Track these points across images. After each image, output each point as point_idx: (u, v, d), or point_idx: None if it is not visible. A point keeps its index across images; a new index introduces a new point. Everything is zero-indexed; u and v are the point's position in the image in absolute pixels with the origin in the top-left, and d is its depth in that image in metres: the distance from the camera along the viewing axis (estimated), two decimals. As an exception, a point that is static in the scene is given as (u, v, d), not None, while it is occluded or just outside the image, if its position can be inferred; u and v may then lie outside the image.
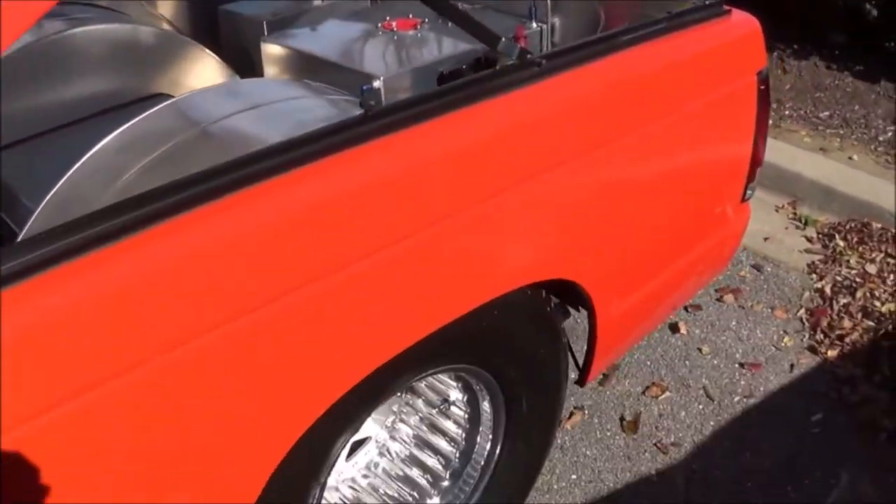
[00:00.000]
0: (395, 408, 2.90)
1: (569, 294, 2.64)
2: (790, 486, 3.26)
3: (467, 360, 2.49)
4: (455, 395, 2.78)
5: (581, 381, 2.95)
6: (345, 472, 2.89)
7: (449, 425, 2.86)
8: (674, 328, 3.94)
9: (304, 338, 1.89)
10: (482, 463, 2.83)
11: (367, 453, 2.91)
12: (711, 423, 3.53)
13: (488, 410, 2.74)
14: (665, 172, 2.70)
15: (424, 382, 2.79)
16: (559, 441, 3.49)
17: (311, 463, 2.21)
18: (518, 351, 2.60)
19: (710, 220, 3.01)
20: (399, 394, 2.82)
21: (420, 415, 2.90)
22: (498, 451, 2.81)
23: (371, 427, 2.88)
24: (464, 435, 2.83)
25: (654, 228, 2.76)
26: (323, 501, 2.73)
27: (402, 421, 2.92)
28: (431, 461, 2.89)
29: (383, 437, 2.92)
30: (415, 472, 2.90)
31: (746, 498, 3.22)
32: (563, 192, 2.37)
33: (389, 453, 2.93)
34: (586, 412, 3.61)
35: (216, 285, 1.72)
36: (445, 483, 2.86)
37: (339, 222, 1.90)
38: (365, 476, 2.92)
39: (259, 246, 1.78)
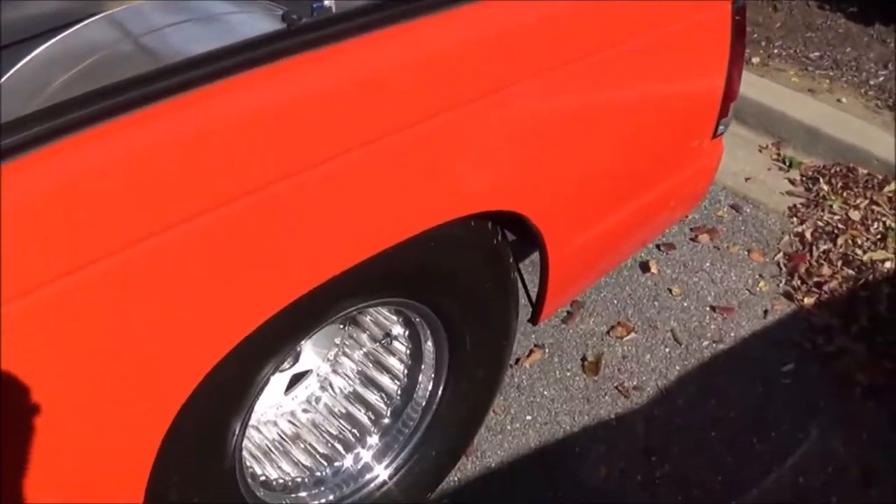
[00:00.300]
0: (337, 340, 2.74)
1: (524, 228, 2.41)
2: (756, 437, 3.09)
3: (404, 294, 2.31)
4: (397, 329, 2.61)
5: (534, 320, 2.77)
6: (284, 406, 2.74)
7: (392, 361, 2.70)
8: (644, 267, 3.74)
9: (221, 261, 1.76)
10: (424, 401, 2.67)
11: (308, 387, 2.76)
12: (677, 367, 3.34)
13: (430, 347, 2.57)
14: (626, 102, 2.49)
15: (369, 316, 2.63)
16: (516, 380, 3.30)
17: (231, 391, 2.03)
18: (460, 286, 2.42)
19: (677, 155, 2.80)
20: (341, 326, 2.66)
21: (364, 349, 2.74)
22: (441, 390, 2.64)
23: (312, 359, 2.72)
24: (406, 372, 2.67)
25: (613, 161, 2.56)
26: (258, 436, 2.58)
27: (345, 354, 2.76)
28: (374, 398, 2.73)
29: (325, 370, 2.76)
30: (357, 410, 2.74)
31: (709, 448, 3.04)
32: (509, 118, 2.16)
33: (332, 388, 2.77)
34: (546, 350, 3.42)
35: (126, 204, 1.60)
36: (386, 421, 2.70)
37: (259, 139, 1.74)
38: (305, 411, 2.76)
39: (176, 162, 1.65)
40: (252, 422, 2.63)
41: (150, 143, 1.61)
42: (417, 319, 2.48)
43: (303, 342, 2.27)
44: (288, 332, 2.10)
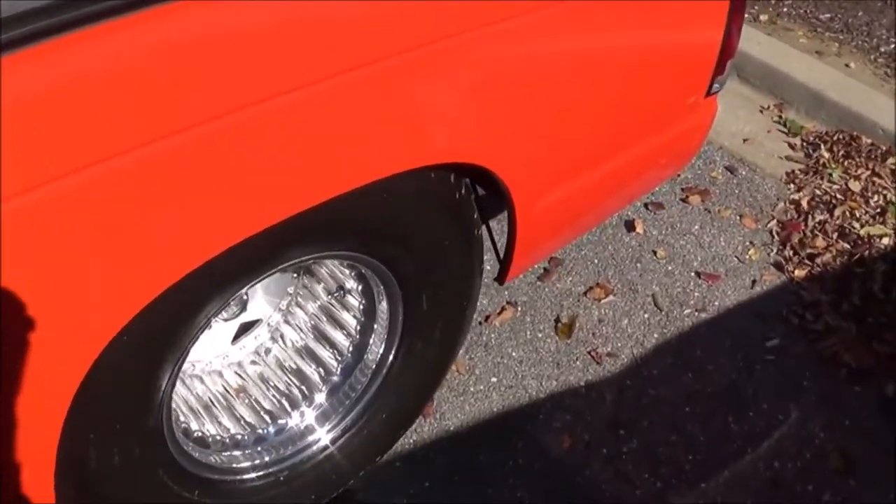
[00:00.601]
0: (290, 289, 2.56)
1: (493, 183, 2.22)
2: (732, 415, 2.92)
3: (354, 247, 2.13)
4: (350, 283, 2.44)
5: (500, 279, 2.59)
6: (231, 356, 2.57)
7: (345, 316, 2.53)
8: (629, 226, 3.55)
9: (153, 198, 1.60)
10: (376, 360, 2.49)
11: (258, 337, 2.60)
12: (655, 335, 3.15)
13: (384, 304, 2.40)
14: (609, 50, 2.28)
15: (324, 268, 2.46)
16: (484, 338, 3.12)
17: (159, 340, 1.87)
18: (416, 241, 2.22)
19: (666, 111, 2.59)
20: (294, 275, 2.49)
21: (319, 302, 2.56)
22: (394, 350, 2.47)
23: (262, 308, 2.55)
24: (359, 328, 2.50)
25: (593, 115, 2.36)
26: (201, 387, 2.48)
27: (298, 305, 2.59)
28: (325, 354, 2.57)
29: (277, 319, 2.59)
30: (307, 365, 2.58)
31: (681, 424, 2.88)
32: (475, 64, 1.96)
33: (283, 340, 2.61)
34: (519, 309, 3.23)
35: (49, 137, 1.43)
36: (336, 378, 2.54)
37: (196, 71, 1.56)
38: (254, 363, 2.60)
39: (114, 91, 1.48)
40: (196, 371, 2.49)
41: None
42: (370, 274, 2.29)
43: (247, 289, 2.07)
44: (227, 279, 1.92)
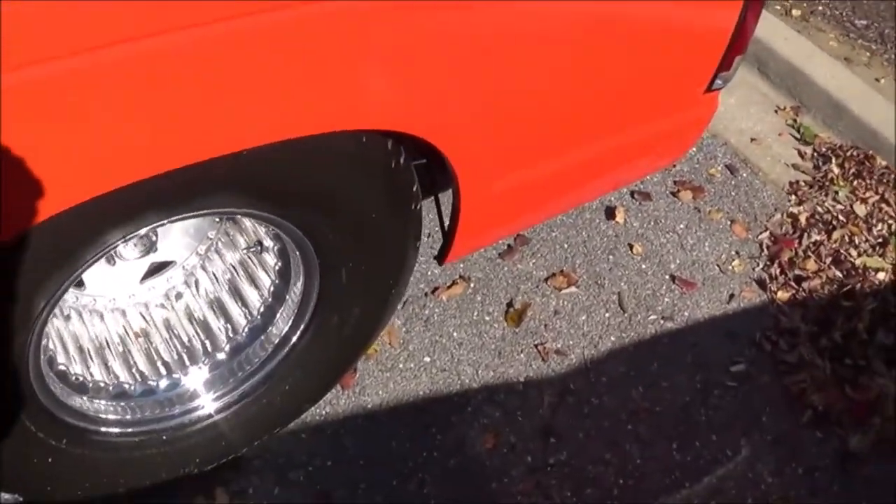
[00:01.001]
0: (211, 234, 2.32)
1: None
2: (676, 442, 2.66)
3: (265, 207, 1.86)
4: (268, 242, 2.20)
5: (439, 259, 2.34)
6: (138, 295, 2.34)
7: (261, 275, 2.29)
8: (610, 213, 3.26)
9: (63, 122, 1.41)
10: (286, 328, 2.23)
11: (170, 279, 2.37)
12: (612, 338, 2.88)
13: (300, 271, 2.13)
14: (593, 19, 1.96)
15: (247, 220, 2.19)
16: (427, 312, 2.86)
17: (52, 257, 1.65)
18: (338, 208, 1.95)
19: (654, 102, 2.30)
20: (217, 220, 2.26)
21: (238, 254, 2.32)
22: (306, 321, 2.21)
23: (178, 250, 2.32)
24: (272, 290, 2.26)
25: (565, 94, 2.07)
26: (99, 325, 2.28)
27: (217, 253, 2.35)
28: (236, 311, 2.33)
29: (193, 263, 2.36)
30: (216, 319, 2.35)
31: (619, 443, 2.62)
32: (415, 23, 1.68)
33: (196, 287, 2.38)
34: (472, 285, 2.96)
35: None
36: (241, 339, 2.31)
37: None
38: (161, 306, 2.38)
39: None
40: (97, 307, 2.28)
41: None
42: (286, 238, 2.02)
43: (149, 230, 1.82)
44: (127, 215, 1.69)
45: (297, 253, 2.05)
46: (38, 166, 1.42)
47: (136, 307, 2.35)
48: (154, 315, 2.36)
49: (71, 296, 2.20)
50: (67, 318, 2.23)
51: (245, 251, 2.28)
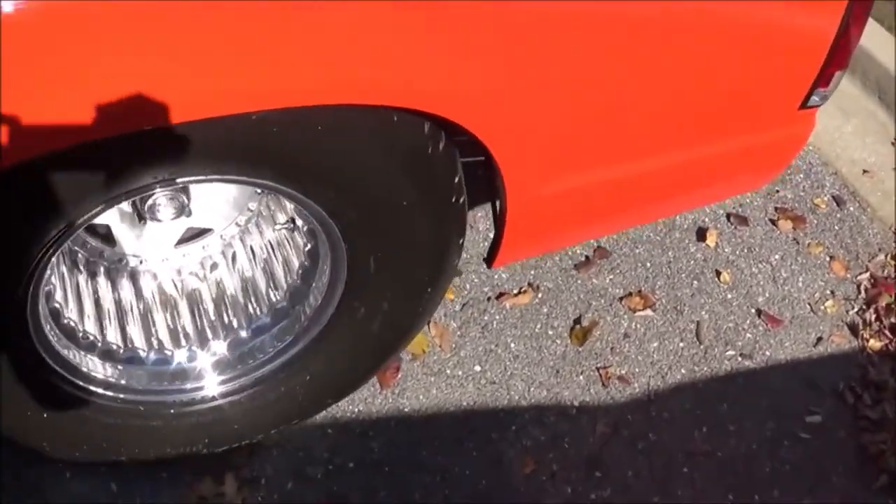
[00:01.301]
0: (252, 206, 2.19)
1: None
2: (733, 493, 2.43)
3: (282, 181, 1.71)
4: (300, 220, 2.04)
5: (488, 262, 2.15)
6: (171, 260, 2.22)
7: (291, 254, 2.16)
8: (701, 235, 3.03)
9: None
10: (311, 311, 2.10)
11: (207, 248, 2.24)
12: (683, 371, 2.66)
13: (327, 253, 1.97)
14: (677, 14, 1.73)
15: None
16: (486, 318, 2.68)
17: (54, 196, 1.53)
18: (365, 193, 1.77)
19: (739, 113, 2.05)
20: (258, 192, 2.12)
21: (274, 230, 2.19)
22: (333, 306, 2.04)
23: (217, 219, 2.19)
24: (301, 272, 2.12)
25: (638, 95, 1.84)
26: (128, 289, 2.18)
27: (257, 226, 2.22)
28: (265, 289, 2.21)
29: (231, 233, 2.23)
30: (245, 296, 2.23)
31: (670, 486, 2.41)
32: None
33: (233, 260, 2.25)
34: (539, 295, 2.77)
35: None
36: (266, 320, 2.17)
37: None
38: (194, 274, 2.26)
39: None
40: (127, 267, 2.17)
41: None
42: (311, 219, 1.87)
43: (162, 186, 1.67)
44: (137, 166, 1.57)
45: (324, 235, 1.90)
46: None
47: (168, 272, 2.23)
48: (185, 283, 2.25)
49: (98, 250, 2.12)
50: (93, 274, 2.12)
51: (279, 227, 2.14)
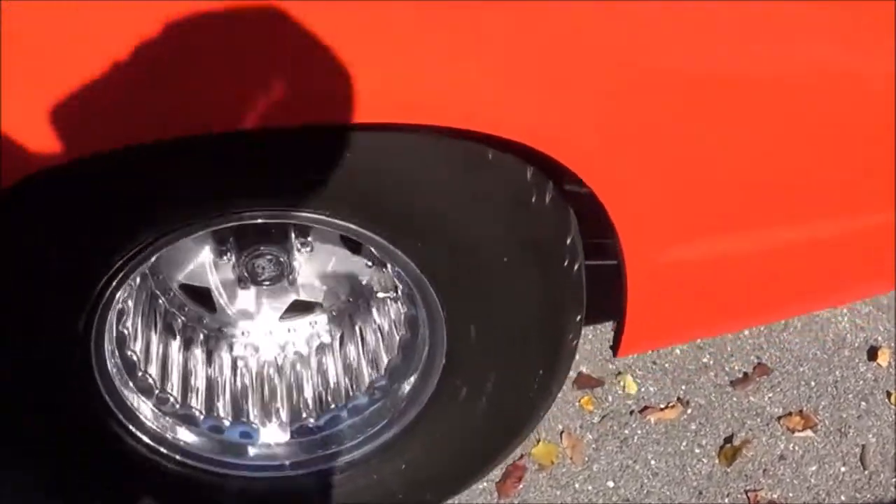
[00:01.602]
0: (364, 279, 2.10)
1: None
2: None
3: (366, 221, 1.57)
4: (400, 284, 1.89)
5: (613, 349, 1.91)
6: (275, 334, 2.13)
7: (389, 326, 2.03)
8: (872, 354, 2.73)
9: None
10: (409, 390, 1.93)
11: (314, 324, 2.15)
12: (843, 497, 2.37)
13: (425, 321, 1.80)
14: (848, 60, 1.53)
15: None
16: (627, 432, 2.47)
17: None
18: (458, 242, 1.60)
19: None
20: (368, 264, 2.02)
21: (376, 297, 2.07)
22: (432, 385, 1.86)
23: (324, 293, 2.10)
24: (400, 345, 1.96)
25: (762, 155, 1.61)
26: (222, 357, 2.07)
27: (365, 302, 2.11)
28: (363, 366, 2.07)
29: (339, 309, 2.15)
30: (341, 373, 2.10)
31: None
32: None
33: (340, 340, 2.13)
34: (689, 411, 2.53)
35: None
36: (362, 400, 2.02)
37: None
38: (297, 352, 2.15)
39: None
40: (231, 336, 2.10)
41: None
42: (402, 273, 1.72)
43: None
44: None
45: (419, 297, 1.73)
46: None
47: (270, 346, 2.14)
48: (286, 359, 2.14)
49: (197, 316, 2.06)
50: (189, 341, 2.05)
51: (382, 296, 2.02)
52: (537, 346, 1.79)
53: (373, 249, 1.72)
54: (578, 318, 1.79)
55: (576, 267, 1.69)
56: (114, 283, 1.57)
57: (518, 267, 1.64)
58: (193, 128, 1.33)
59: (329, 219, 1.54)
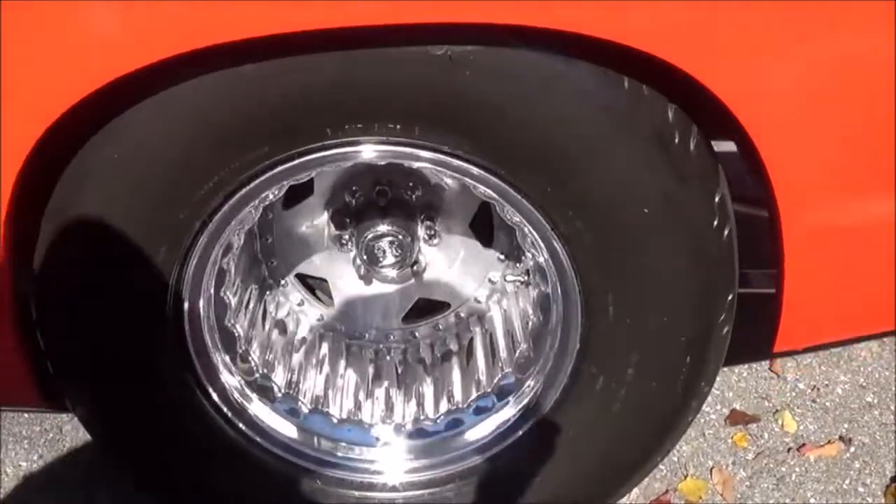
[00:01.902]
0: (494, 276, 1.97)
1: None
2: None
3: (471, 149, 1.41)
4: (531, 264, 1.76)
5: (768, 347, 1.67)
6: (395, 336, 2.06)
7: (517, 318, 1.88)
8: None
9: None
10: (537, 387, 1.74)
11: (440, 327, 2.05)
12: None
13: (559, 307, 1.63)
14: None
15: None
16: (784, 469, 2.28)
17: None
18: (587, 184, 1.43)
19: None
20: (500, 257, 1.91)
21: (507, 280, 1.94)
22: (565, 377, 1.67)
23: (452, 292, 1.98)
24: (531, 331, 1.79)
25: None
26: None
27: (497, 302, 1.97)
28: (485, 363, 1.91)
29: (469, 310, 2.00)
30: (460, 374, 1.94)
31: None
32: None
33: (469, 343, 1.97)
34: (852, 450, 2.31)
35: None
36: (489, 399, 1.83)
37: None
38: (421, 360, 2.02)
39: None
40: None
41: None
42: (535, 237, 1.56)
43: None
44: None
45: (554, 269, 1.57)
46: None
47: (393, 350, 2.01)
48: (409, 363, 2.00)
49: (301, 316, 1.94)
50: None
51: (512, 279, 1.89)
52: (684, 326, 1.59)
53: (498, 210, 1.57)
54: (730, 297, 1.58)
55: (726, 232, 1.50)
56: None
57: (659, 221, 1.46)
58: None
59: (448, 159, 1.41)
